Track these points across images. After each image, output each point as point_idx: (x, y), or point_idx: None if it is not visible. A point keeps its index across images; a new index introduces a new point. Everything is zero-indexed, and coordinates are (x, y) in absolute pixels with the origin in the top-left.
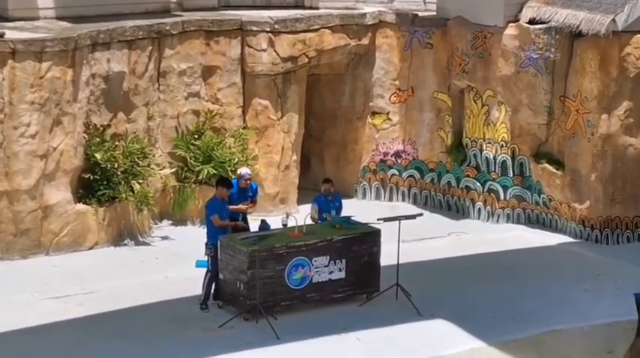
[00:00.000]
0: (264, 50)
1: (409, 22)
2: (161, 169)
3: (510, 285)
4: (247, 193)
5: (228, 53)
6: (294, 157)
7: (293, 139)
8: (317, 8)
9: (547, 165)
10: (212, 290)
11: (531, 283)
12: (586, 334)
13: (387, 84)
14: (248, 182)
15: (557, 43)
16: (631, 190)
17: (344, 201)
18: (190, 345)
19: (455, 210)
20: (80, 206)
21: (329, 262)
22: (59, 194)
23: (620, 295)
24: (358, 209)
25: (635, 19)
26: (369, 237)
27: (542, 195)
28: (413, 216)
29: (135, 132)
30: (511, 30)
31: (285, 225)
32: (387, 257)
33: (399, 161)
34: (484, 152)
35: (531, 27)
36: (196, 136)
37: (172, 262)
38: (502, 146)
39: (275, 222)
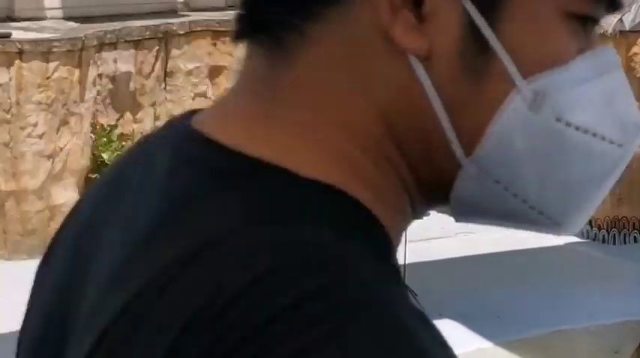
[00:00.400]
0: None
1: None
2: None
3: (517, 285)
4: None
5: (236, 53)
6: None
7: None
8: None
9: None
10: None
11: (538, 283)
12: (593, 334)
13: None
14: None
15: None
16: (639, 190)
17: None
18: None
19: None
20: None
21: None
22: (66, 194)
23: (628, 295)
24: None
25: None
26: None
27: None
28: None
29: (142, 133)
30: None
31: None
32: None
33: None
34: None
35: None
36: None
37: None
38: None
39: None
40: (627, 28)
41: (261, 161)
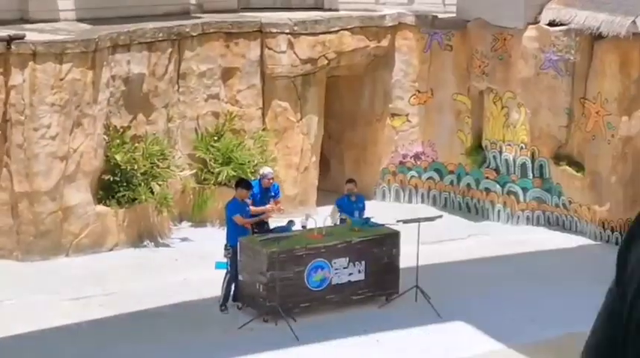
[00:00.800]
0: (284, 52)
1: (429, 24)
2: (181, 171)
3: (530, 287)
4: (270, 193)
5: (248, 55)
6: (314, 159)
7: (312, 141)
8: (336, 10)
9: (567, 167)
10: (231, 292)
11: (551, 285)
12: None
13: (406, 86)
14: (271, 181)
15: (577, 44)
16: None
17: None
18: (209, 347)
19: (474, 212)
20: (100, 207)
21: (348, 264)
22: (79, 195)
23: None
24: (377, 211)
25: None
26: (389, 239)
27: (561, 197)
28: (432, 218)
29: (155, 134)
30: (531, 32)
31: (304, 227)
32: (407, 259)
33: (418, 163)
34: (504, 154)
35: (551, 29)
36: (216, 138)
37: (192, 263)
38: (522, 148)
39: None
40: None
41: None
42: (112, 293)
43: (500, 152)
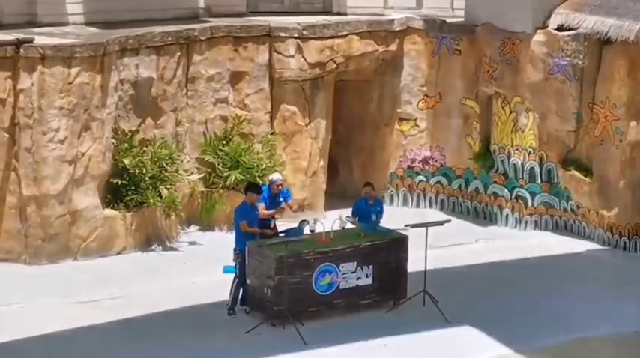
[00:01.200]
0: (292, 56)
1: (437, 29)
2: (189, 175)
3: (538, 292)
4: (278, 198)
5: (256, 59)
6: (322, 163)
7: (320, 145)
8: (345, 14)
9: (575, 172)
10: (239, 296)
11: (559, 290)
12: (614, 341)
13: (414, 90)
14: (280, 187)
15: (585, 49)
16: None
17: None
18: (217, 351)
19: (482, 216)
20: (108, 211)
21: (356, 268)
22: (87, 199)
23: None
24: (386, 215)
25: None
26: (397, 244)
27: (570, 202)
28: (440, 223)
29: (163, 138)
30: (539, 36)
31: (312, 231)
32: (415, 263)
33: (426, 167)
34: (512, 158)
35: (560, 33)
36: (224, 142)
37: (200, 267)
38: (530, 153)
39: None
40: None
41: None
42: (120, 296)
43: (509, 157)
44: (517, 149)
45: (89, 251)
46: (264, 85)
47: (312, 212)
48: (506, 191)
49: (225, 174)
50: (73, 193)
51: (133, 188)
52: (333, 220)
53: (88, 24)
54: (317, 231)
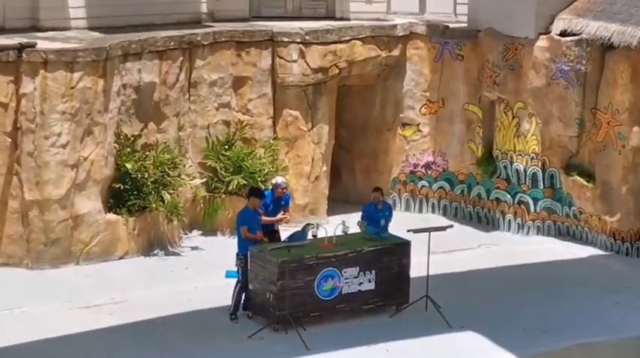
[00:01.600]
0: (295, 61)
1: (440, 34)
2: (191, 179)
3: (540, 298)
4: (281, 202)
5: (259, 64)
6: (324, 168)
7: (323, 150)
8: (348, 19)
9: (578, 178)
10: (242, 301)
11: (561, 296)
12: (616, 347)
13: (417, 95)
14: (284, 191)
15: (588, 55)
16: None
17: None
18: (219, 355)
19: (485, 222)
20: (110, 216)
21: (359, 273)
22: (90, 204)
23: None
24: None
25: None
26: (399, 249)
27: (572, 208)
28: (443, 228)
29: (165, 143)
30: (542, 42)
31: (315, 236)
32: (417, 268)
33: (429, 172)
34: (514, 164)
35: (562, 39)
36: (227, 147)
37: (202, 272)
38: (532, 158)
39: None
40: None
41: None
42: (122, 301)
43: (511, 162)
44: (520, 154)
45: (91, 255)
46: (267, 90)
47: (315, 217)
48: (508, 196)
49: (227, 178)
50: (75, 198)
51: (135, 193)
52: (335, 225)
53: (90, 28)
54: (319, 236)
